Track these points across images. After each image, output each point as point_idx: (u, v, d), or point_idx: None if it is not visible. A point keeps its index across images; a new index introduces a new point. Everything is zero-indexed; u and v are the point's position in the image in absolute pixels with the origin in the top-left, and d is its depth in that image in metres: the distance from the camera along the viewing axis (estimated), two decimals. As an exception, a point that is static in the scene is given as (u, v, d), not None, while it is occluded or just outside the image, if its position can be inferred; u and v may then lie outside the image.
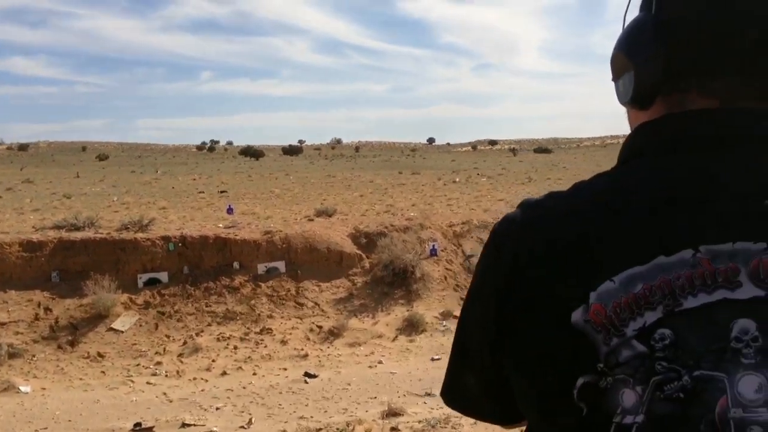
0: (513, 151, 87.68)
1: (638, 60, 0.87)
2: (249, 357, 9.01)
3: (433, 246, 11.58)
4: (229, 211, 16.00)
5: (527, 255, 0.83)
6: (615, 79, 0.94)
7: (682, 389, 0.74)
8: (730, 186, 0.79)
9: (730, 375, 0.73)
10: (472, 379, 0.94)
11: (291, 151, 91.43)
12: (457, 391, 0.97)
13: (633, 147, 0.89)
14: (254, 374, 8.51)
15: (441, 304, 10.33)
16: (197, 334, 9.51)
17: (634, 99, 0.89)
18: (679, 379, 0.74)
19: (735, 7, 0.83)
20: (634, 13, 0.94)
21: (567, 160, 58.19)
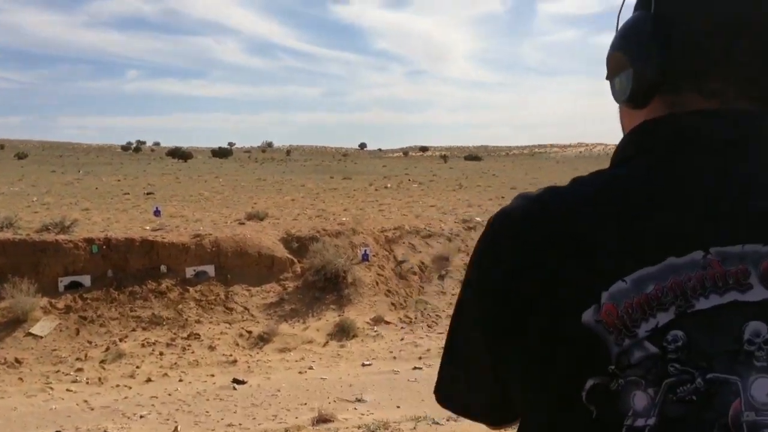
0: (444, 158, 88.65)
1: (637, 59, 0.86)
2: (175, 363, 8.78)
3: (365, 251, 11.56)
4: (156, 213, 15.60)
5: (531, 253, 0.80)
6: (610, 77, 0.93)
7: (695, 392, 0.73)
8: (738, 186, 0.79)
9: (743, 378, 0.72)
10: (464, 380, 0.92)
11: (220, 153, 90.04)
12: (450, 391, 0.95)
13: (636, 145, 0.87)
14: (180, 381, 8.29)
15: (372, 310, 10.32)
16: (121, 340, 9.22)
17: (631, 98, 0.88)
18: (692, 381, 0.73)
19: (733, 9, 0.82)
20: (626, 14, 0.93)
21: (497, 168, 59.21)
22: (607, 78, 0.94)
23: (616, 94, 0.91)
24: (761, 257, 0.74)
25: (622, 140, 0.90)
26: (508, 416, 0.91)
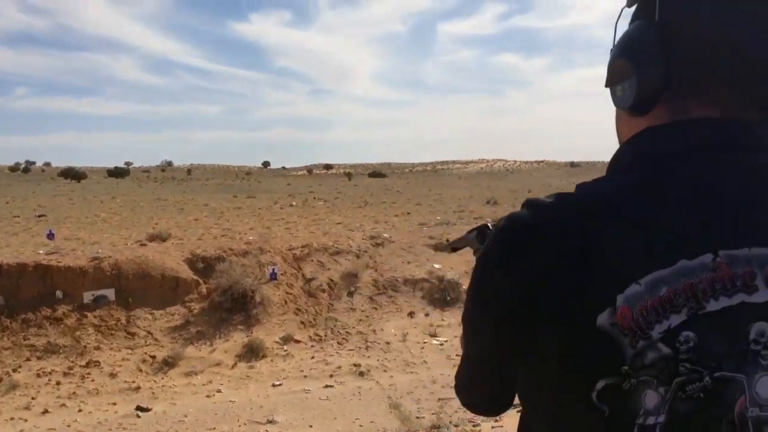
0: (348, 175, 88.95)
1: (642, 66, 0.87)
2: (74, 393, 8.33)
3: (273, 270, 11.39)
4: (50, 236, 14.84)
5: (546, 260, 0.81)
6: (612, 84, 0.94)
7: (703, 389, 0.76)
8: (743, 192, 0.82)
9: (749, 376, 0.76)
10: (474, 376, 0.99)
11: (117, 173, 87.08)
12: (463, 385, 1.03)
13: (642, 152, 0.89)
14: (80, 411, 7.87)
15: (282, 329, 10.15)
16: (14, 370, 8.68)
17: (635, 104, 0.89)
18: (700, 379, 0.76)
19: (735, 20, 0.84)
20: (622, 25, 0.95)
21: (401, 185, 59.83)
22: (607, 85, 0.95)
23: (619, 101, 0.93)
24: (766, 260, 0.78)
25: (625, 147, 0.92)
26: (505, 406, 0.97)
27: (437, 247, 13.17)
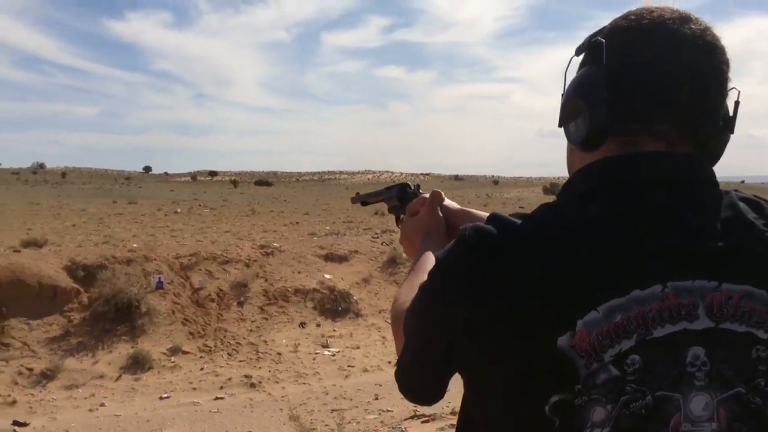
0: (234, 183, 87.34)
1: (591, 103, 0.95)
2: (-59, 408, 7.78)
3: (159, 279, 11.05)
4: None
5: (511, 276, 0.86)
6: (566, 122, 1.02)
7: (645, 407, 0.85)
8: (688, 226, 0.90)
9: (685, 395, 0.86)
10: (419, 368, 1.02)
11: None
12: (405, 374, 1.05)
13: (596, 181, 0.96)
14: (-52, 428, 7.36)
15: (169, 339, 9.86)
16: None
17: (585, 140, 0.97)
18: (643, 398, 0.85)
19: (676, 63, 0.94)
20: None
21: (288, 194, 59.37)
22: (561, 124, 1.04)
23: (573, 137, 1.01)
24: (707, 291, 0.87)
25: (581, 174, 0.99)
26: (442, 395, 1.03)
27: (328, 257, 13.20)
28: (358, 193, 1.91)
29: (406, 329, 1.03)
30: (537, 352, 0.85)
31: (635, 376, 0.84)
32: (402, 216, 1.56)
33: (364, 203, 1.88)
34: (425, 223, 1.41)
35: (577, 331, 0.84)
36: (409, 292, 1.09)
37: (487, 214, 0.99)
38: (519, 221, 0.91)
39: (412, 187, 1.64)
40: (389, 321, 1.28)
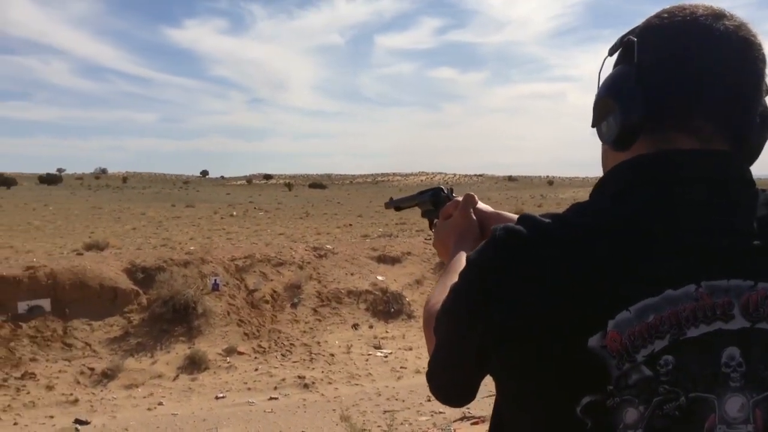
0: (288, 185, 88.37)
1: (623, 102, 0.95)
2: (9, 405, 8.07)
3: (215, 281, 11.26)
4: (-19, 244, 14.36)
5: (542, 276, 0.86)
6: (598, 122, 1.02)
7: (679, 408, 0.83)
8: (723, 224, 0.88)
9: (720, 396, 0.84)
10: (450, 370, 1.02)
11: (49, 180, 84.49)
12: (435, 376, 1.05)
13: (630, 179, 0.95)
14: (15, 424, 7.63)
15: (224, 341, 10.04)
16: (-56, 384, 8.35)
17: (618, 138, 0.96)
18: (677, 399, 0.83)
19: (708, 60, 0.92)
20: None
21: (341, 196, 59.76)
22: (594, 125, 1.03)
23: (604, 136, 1.01)
24: (742, 291, 0.85)
25: (614, 172, 0.98)
26: (473, 397, 1.04)
27: (380, 259, 13.25)
28: (391, 198, 1.90)
29: (437, 330, 1.03)
30: (568, 353, 0.84)
31: (668, 376, 0.83)
32: (435, 220, 1.55)
33: (398, 208, 1.86)
34: (459, 227, 1.41)
35: (608, 332, 0.83)
36: (441, 293, 1.09)
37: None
38: (549, 221, 0.90)
39: (446, 191, 1.63)
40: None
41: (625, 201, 0.92)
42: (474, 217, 1.41)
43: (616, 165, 0.98)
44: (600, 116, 1.00)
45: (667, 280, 0.84)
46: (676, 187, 0.91)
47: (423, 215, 1.69)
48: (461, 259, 1.19)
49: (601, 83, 1.02)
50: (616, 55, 1.04)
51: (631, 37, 0.98)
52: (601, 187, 0.99)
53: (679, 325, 0.84)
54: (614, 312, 0.83)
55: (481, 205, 1.44)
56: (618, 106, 0.95)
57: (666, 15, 0.97)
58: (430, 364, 1.06)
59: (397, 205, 1.86)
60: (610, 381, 0.83)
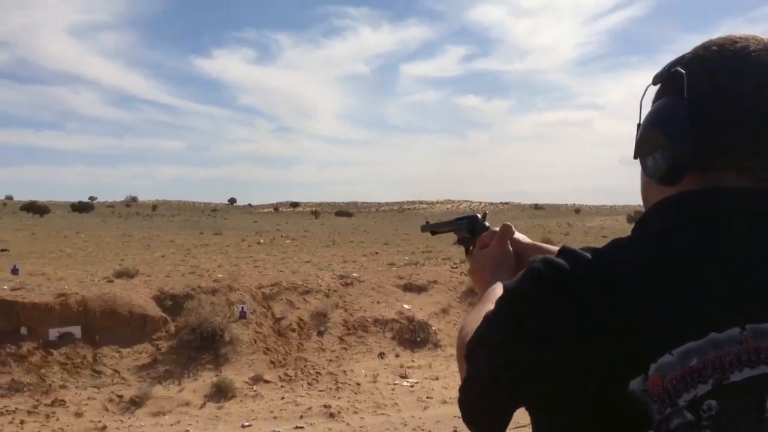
0: (315, 213, 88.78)
1: (672, 138, 0.93)
2: (38, 432, 8.16)
3: (242, 308, 11.33)
4: (14, 271, 14.56)
5: (581, 311, 0.84)
6: (643, 155, 1.00)
7: None
8: (766, 255, 0.86)
9: None
10: (482, 402, 0.99)
11: (81, 207, 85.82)
12: (468, 408, 1.02)
13: (676, 216, 0.93)
14: (44, 451, 7.71)
15: (251, 369, 10.07)
16: (-24, 409, 8.46)
17: (666, 175, 0.94)
18: None
19: (759, 100, 0.90)
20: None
21: (368, 224, 59.84)
22: (636, 156, 1.01)
23: (650, 171, 0.98)
24: None
25: (658, 210, 0.97)
26: (506, 426, 0.99)
27: (407, 287, 13.23)
28: (427, 222, 1.90)
29: (469, 358, 1.00)
30: (603, 391, 0.82)
31: (711, 421, 0.81)
32: (471, 248, 1.55)
33: (434, 232, 1.86)
34: (495, 257, 1.39)
35: (650, 375, 0.81)
36: (474, 321, 1.06)
37: (557, 249, 0.97)
38: (590, 256, 0.88)
39: (482, 219, 1.63)
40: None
41: (670, 240, 0.90)
42: (511, 248, 1.40)
43: (661, 201, 0.96)
44: (645, 149, 0.98)
45: (710, 321, 0.83)
46: (723, 227, 0.89)
47: (458, 242, 1.69)
48: (497, 289, 1.16)
49: (646, 114, 1.00)
50: (659, 85, 1.02)
51: (679, 68, 0.96)
52: (645, 223, 0.97)
53: (722, 369, 0.82)
54: (655, 354, 0.81)
55: (518, 235, 1.43)
56: (668, 142, 0.93)
57: (715, 48, 0.96)
58: (461, 391, 1.04)
59: (432, 229, 1.87)
60: (651, 425, 0.81)
